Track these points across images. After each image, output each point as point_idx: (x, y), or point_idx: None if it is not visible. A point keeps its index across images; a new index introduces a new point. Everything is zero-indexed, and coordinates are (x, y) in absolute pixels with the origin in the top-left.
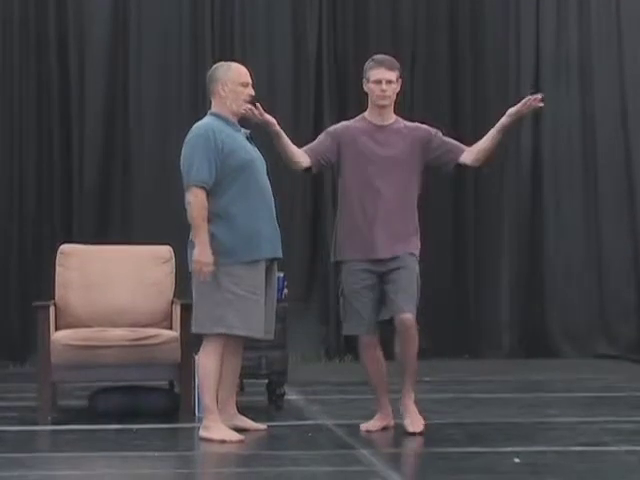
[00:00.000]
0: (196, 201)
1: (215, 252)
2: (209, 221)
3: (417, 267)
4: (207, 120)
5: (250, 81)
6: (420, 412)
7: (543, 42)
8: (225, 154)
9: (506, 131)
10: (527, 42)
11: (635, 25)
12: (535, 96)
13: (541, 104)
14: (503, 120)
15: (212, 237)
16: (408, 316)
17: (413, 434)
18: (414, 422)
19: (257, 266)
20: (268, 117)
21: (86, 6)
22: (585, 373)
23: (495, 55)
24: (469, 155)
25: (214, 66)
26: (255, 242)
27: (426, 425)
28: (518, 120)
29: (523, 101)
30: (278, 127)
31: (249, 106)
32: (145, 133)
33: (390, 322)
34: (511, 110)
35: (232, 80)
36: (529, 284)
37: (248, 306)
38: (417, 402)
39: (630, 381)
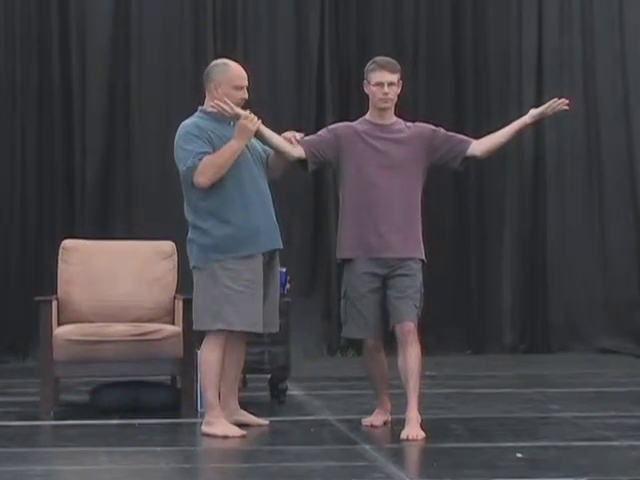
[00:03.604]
0: (206, 163)
1: (211, 248)
2: (203, 219)
3: (421, 275)
4: (193, 119)
5: (245, 84)
6: (422, 408)
7: (546, 38)
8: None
9: (525, 130)
10: (529, 38)
11: (638, 19)
12: (561, 100)
13: (566, 107)
14: (525, 119)
15: (207, 234)
16: (410, 325)
17: (405, 439)
18: (411, 433)
19: (254, 260)
20: (239, 111)
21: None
22: (587, 368)
23: (497, 53)
24: (479, 146)
25: (212, 63)
26: (251, 236)
27: (425, 438)
28: (539, 120)
29: (548, 103)
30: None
31: (217, 103)
32: (147, 128)
33: (392, 332)
34: (534, 111)
35: (227, 82)
36: (532, 279)
37: (246, 301)
38: (421, 413)
39: (632, 376)
